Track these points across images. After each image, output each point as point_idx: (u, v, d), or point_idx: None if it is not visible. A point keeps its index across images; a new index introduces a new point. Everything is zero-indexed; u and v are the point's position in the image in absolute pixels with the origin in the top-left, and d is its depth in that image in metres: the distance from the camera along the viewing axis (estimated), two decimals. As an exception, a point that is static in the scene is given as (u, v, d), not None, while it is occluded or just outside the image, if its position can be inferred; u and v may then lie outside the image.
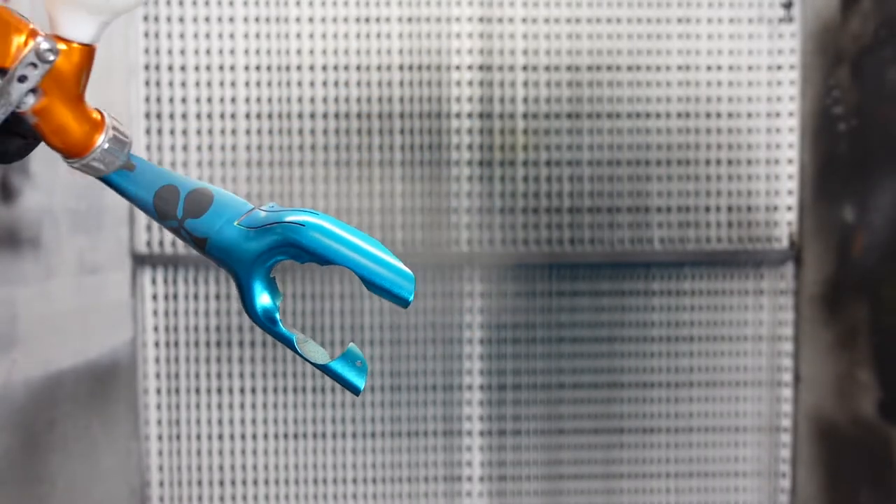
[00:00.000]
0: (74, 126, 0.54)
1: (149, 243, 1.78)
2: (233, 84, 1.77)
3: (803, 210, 1.78)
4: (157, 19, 1.76)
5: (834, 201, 1.71)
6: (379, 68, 1.77)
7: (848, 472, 1.68)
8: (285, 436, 1.81)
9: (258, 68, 1.77)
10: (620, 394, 1.82)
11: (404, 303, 0.57)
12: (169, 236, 1.78)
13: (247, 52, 1.77)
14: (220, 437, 1.81)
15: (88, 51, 0.54)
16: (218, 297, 1.79)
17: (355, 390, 0.60)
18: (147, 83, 1.76)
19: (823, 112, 1.72)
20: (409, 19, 1.77)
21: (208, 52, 1.77)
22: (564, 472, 1.82)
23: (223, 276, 1.79)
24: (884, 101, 1.59)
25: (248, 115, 1.77)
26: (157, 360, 1.79)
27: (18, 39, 0.50)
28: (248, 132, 1.78)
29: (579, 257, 1.78)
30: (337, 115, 1.77)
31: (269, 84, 1.77)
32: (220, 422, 1.80)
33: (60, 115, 0.54)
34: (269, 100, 1.77)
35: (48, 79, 0.52)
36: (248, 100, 1.77)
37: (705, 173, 1.80)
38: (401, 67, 1.77)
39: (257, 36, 1.77)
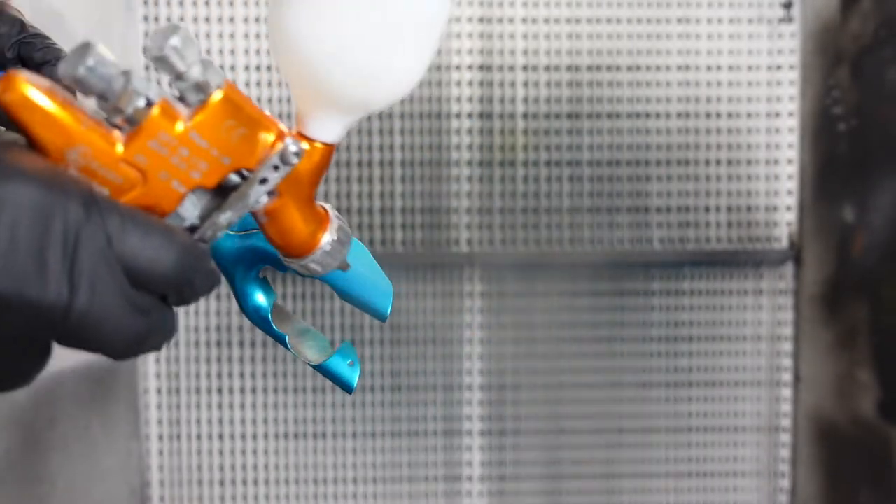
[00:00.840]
0: (302, 227, 0.52)
1: (149, 243, 1.78)
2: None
3: (803, 210, 1.78)
4: (156, 20, 1.76)
5: (834, 201, 1.71)
6: (379, 68, 1.77)
7: (848, 472, 1.68)
8: (285, 436, 1.81)
9: (258, 68, 1.77)
10: (620, 394, 1.82)
11: (381, 317, 0.57)
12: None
13: (247, 52, 1.77)
14: (221, 436, 1.81)
15: (329, 151, 0.52)
16: (218, 297, 1.79)
17: (348, 389, 0.60)
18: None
19: (823, 112, 1.73)
20: (409, 19, 1.77)
21: (208, 52, 1.77)
22: (564, 471, 1.83)
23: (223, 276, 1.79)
24: (884, 101, 1.59)
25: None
26: (157, 360, 1.80)
27: (266, 139, 0.48)
28: (248, 132, 1.77)
29: (579, 257, 1.78)
30: (337, 115, 1.77)
31: (269, 84, 1.77)
32: (220, 421, 1.81)
33: (291, 216, 0.51)
34: (269, 100, 1.77)
35: (286, 179, 0.49)
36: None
37: (705, 173, 1.80)
38: (401, 67, 1.77)
39: (257, 36, 1.77)
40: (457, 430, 1.82)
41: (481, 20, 1.78)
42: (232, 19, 1.77)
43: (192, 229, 0.48)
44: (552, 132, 1.80)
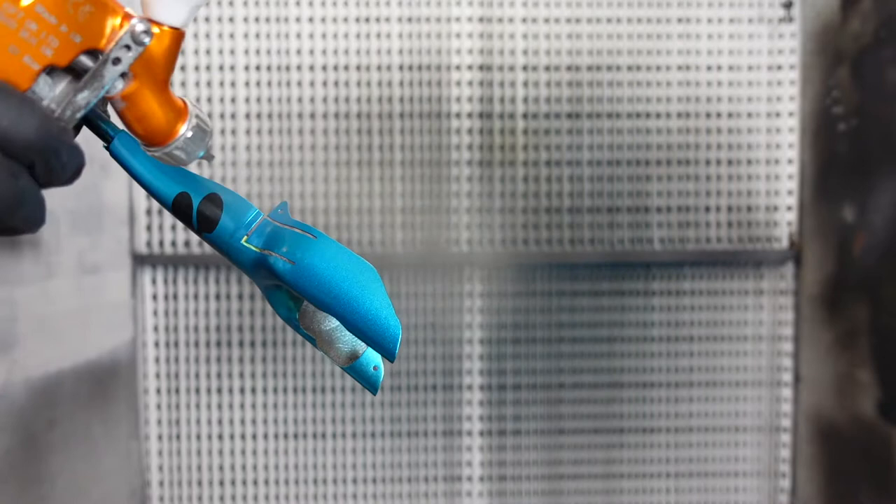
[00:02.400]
0: (160, 113, 0.53)
1: (149, 243, 1.78)
2: (232, 84, 1.77)
3: (803, 210, 1.78)
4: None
5: (834, 201, 1.71)
6: (379, 68, 1.77)
7: (848, 472, 1.68)
8: (285, 436, 1.81)
9: (258, 68, 1.77)
10: (620, 394, 1.82)
11: (389, 356, 0.57)
12: (169, 236, 1.78)
13: (247, 52, 1.77)
14: (221, 436, 1.81)
15: (178, 35, 0.53)
16: (218, 297, 1.79)
17: (373, 390, 0.61)
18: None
19: (823, 112, 1.73)
20: (409, 19, 1.77)
21: (208, 52, 1.77)
22: (564, 471, 1.83)
23: (223, 276, 1.79)
24: (884, 101, 1.59)
25: (247, 115, 1.77)
26: (157, 360, 1.79)
27: (114, 21, 0.49)
28: (247, 132, 1.78)
29: (579, 257, 1.78)
30: (337, 115, 1.77)
31: (269, 84, 1.77)
32: (220, 422, 1.80)
33: (148, 101, 0.52)
34: (269, 100, 1.77)
35: (139, 63, 0.50)
36: (247, 100, 1.77)
37: (705, 173, 1.80)
38: (401, 67, 1.77)
39: (257, 36, 1.77)
40: (457, 430, 1.82)
41: (481, 20, 1.78)
42: (231, 19, 1.77)
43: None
44: (552, 132, 1.80)
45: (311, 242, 0.55)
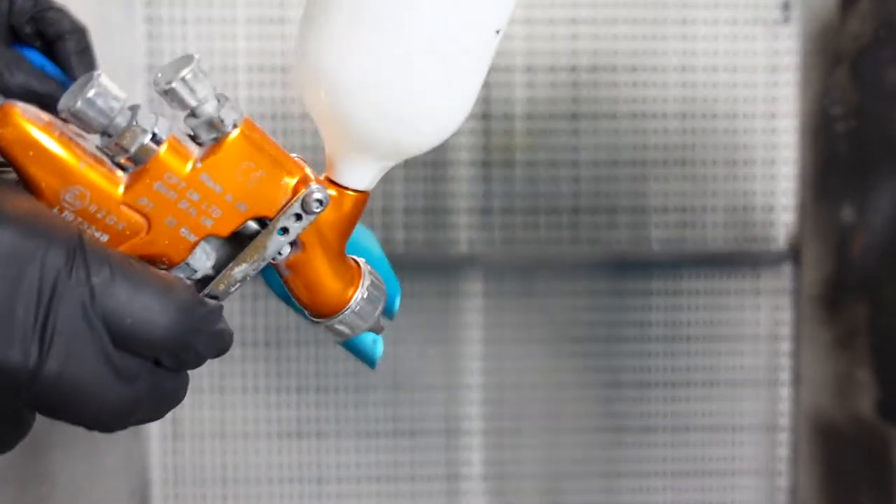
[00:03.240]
0: (329, 283, 0.46)
1: (150, 244, 1.78)
2: (234, 85, 1.78)
3: (802, 210, 1.78)
4: (158, 20, 1.76)
5: (833, 201, 1.71)
6: (379, 69, 1.78)
7: (846, 472, 1.68)
8: (287, 435, 1.82)
9: (260, 69, 1.78)
10: (620, 393, 1.82)
11: (388, 314, 0.52)
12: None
13: (248, 53, 1.78)
14: (222, 435, 1.81)
15: (362, 199, 0.47)
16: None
17: (371, 363, 0.58)
18: (148, 85, 1.77)
19: (822, 112, 1.73)
20: (410, 20, 1.77)
21: (209, 53, 1.77)
22: (564, 471, 1.83)
23: (224, 276, 1.80)
24: (883, 102, 1.59)
25: (250, 116, 1.78)
26: (159, 360, 1.80)
27: (287, 183, 0.43)
28: (248, 133, 1.78)
29: (579, 257, 1.79)
30: (337, 116, 1.78)
31: (271, 85, 1.78)
32: (221, 421, 1.81)
33: (316, 270, 0.45)
34: (271, 100, 1.78)
35: (310, 229, 0.44)
36: (249, 100, 1.78)
37: (704, 174, 1.80)
38: (401, 68, 1.78)
39: (259, 37, 1.77)
40: (457, 429, 1.82)
41: (481, 21, 1.78)
42: (233, 21, 1.77)
43: (206, 281, 0.43)
44: (551, 133, 1.80)
45: None
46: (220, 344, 0.42)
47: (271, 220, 0.43)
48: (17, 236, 0.34)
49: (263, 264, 0.43)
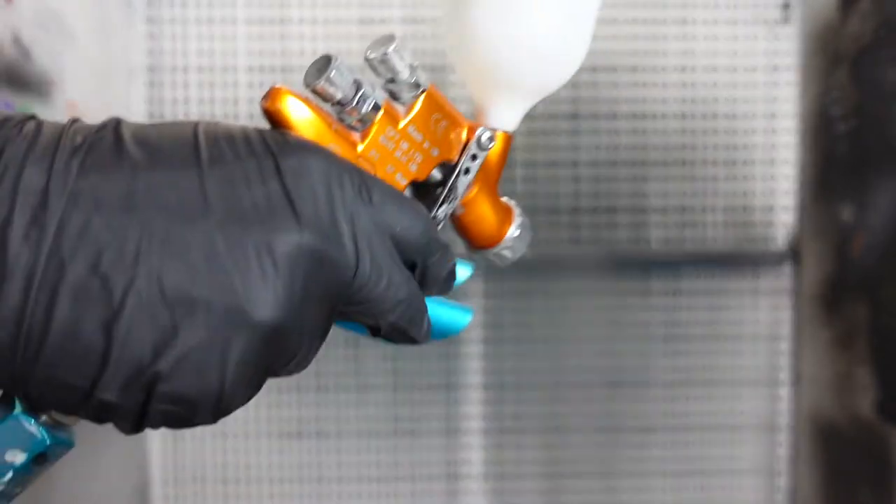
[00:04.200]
0: (492, 216, 0.56)
1: (151, 243, 1.79)
2: (234, 85, 1.78)
3: (802, 210, 1.79)
4: (158, 21, 1.77)
5: (833, 202, 1.71)
6: (379, 69, 1.78)
7: (846, 472, 1.68)
8: (288, 435, 1.82)
9: (260, 69, 1.78)
10: (619, 393, 1.82)
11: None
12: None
13: (248, 53, 1.78)
14: (223, 435, 1.82)
15: (510, 139, 0.58)
16: (219, 296, 1.80)
17: (457, 329, 0.59)
18: (148, 84, 1.78)
19: (822, 113, 1.73)
20: (410, 20, 1.78)
21: (210, 53, 1.78)
22: (564, 470, 1.83)
23: (225, 275, 1.80)
24: (883, 102, 1.59)
25: (250, 116, 1.78)
26: (160, 360, 1.80)
27: (461, 131, 0.54)
28: (249, 133, 1.78)
29: (579, 257, 1.79)
30: (337, 116, 1.78)
31: (271, 85, 1.78)
32: (221, 420, 1.81)
33: (483, 205, 0.56)
34: (271, 101, 1.78)
35: (479, 170, 0.54)
36: (249, 101, 1.78)
37: (703, 174, 1.81)
38: (401, 68, 1.78)
39: (259, 37, 1.78)
40: (457, 429, 1.83)
41: (481, 21, 1.78)
42: (233, 21, 1.77)
43: None
44: (551, 133, 1.80)
45: None
46: (452, 261, 0.51)
47: (453, 163, 0.53)
48: (328, 163, 0.43)
49: (457, 202, 0.53)
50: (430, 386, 1.82)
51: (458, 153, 0.53)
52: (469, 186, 0.54)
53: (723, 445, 1.85)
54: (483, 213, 0.56)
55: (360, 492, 1.83)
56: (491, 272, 1.80)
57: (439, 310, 0.56)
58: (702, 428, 1.84)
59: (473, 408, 1.82)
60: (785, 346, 1.83)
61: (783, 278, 1.82)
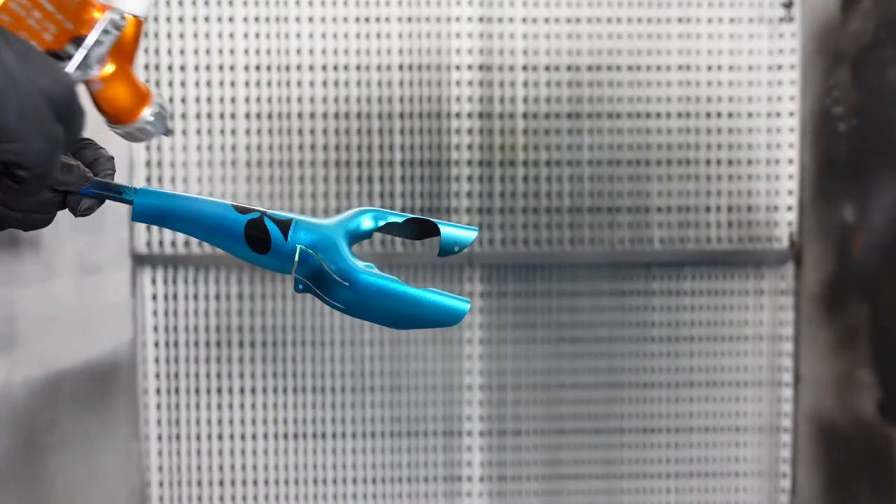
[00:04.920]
0: (127, 94, 0.61)
1: (149, 243, 1.78)
2: (233, 84, 1.77)
3: (803, 210, 1.78)
4: (157, 19, 1.76)
5: (834, 201, 1.71)
6: (379, 68, 1.77)
7: (848, 472, 1.68)
8: (285, 436, 1.81)
9: (258, 68, 1.77)
10: (620, 394, 1.82)
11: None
12: (168, 236, 1.78)
13: (247, 51, 1.77)
14: (220, 436, 1.81)
15: (139, 24, 0.61)
16: (218, 297, 1.79)
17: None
18: (148, 83, 1.76)
19: (823, 112, 1.73)
20: (409, 19, 1.77)
21: (208, 52, 1.77)
22: (564, 472, 1.83)
23: (223, 276, 1.79)
24: (884, 102, 1.59)
25: (248, 115, 1.77)
26: (157, 360, 1.79)
27: (93, 11, 0.57)
28: (247, 132, 1.78)
29: (579, 257, 1.78)
30: (337, 115, 1.77)
31: (269, 84, 1.77)
32: (219, 422, 1.80)
33: (120, 82, 0.61)
34: (269, 100, 1.77)
35: (114, 48, 0.59)
36: (248, 100, 1.77)
37: (705, 173, 1.80)
38: (401, 67, 1.77)
39: (257, 36, 1.77)
40: (457, 430, 1.82)
41: (481, 20, 1.78)
42: (231, 19, 1.77)
43: None
44: (552, 132, 1.80)
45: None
46: (84, 115, 0.54)
47: (86, 38, 0.57)
48: None
49: (90, 70, 0.57)
50: (430, 386, 1.81)
51: (92, 28, 0.57)
52: (103, 60, 0.58)
53: (725, 447, 1.84)
54: (119, 92, 0.60)
55: (357, 493, 1.82)
56: (491, 273, 1.80)
57: (448, 229, 0.59)
58: (704, 429, 1.84)
59: (473, 408, 1.81)
60: (787, 346, 1.82)
61: (786, 278, 1.82)
